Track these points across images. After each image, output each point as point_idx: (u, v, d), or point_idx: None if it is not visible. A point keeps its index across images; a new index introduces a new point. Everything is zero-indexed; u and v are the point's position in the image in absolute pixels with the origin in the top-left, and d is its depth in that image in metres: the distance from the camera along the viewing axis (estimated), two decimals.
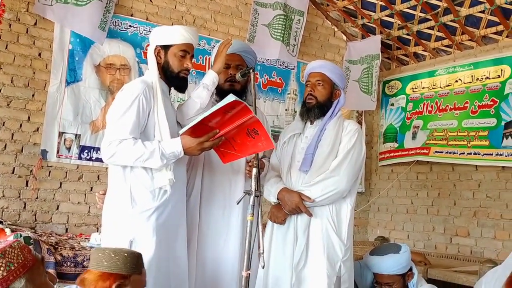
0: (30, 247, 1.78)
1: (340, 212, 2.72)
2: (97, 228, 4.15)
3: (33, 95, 4.07)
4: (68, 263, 3.15)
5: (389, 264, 2.98)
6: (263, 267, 2.30)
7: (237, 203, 2.60)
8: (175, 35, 2.54)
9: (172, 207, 2.49)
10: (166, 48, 2.54)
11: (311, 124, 2.87)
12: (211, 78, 2.69)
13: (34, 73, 4.10)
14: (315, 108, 2.80)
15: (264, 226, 2.58)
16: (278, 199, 2.74)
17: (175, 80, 2.58)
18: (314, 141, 2.73)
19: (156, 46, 2.54)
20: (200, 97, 2.67)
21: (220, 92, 2.85)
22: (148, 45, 4.49)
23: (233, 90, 2.79)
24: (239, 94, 2.83)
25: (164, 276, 2.45)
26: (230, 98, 2.16)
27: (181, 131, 2.36)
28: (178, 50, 2.54)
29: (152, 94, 2.44)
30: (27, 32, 4.08)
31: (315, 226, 2.69)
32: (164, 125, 2.43)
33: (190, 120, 2.60)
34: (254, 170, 2.32)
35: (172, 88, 2.67)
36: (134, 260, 2.00)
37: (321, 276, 2.60)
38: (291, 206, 2.65)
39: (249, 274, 2.22)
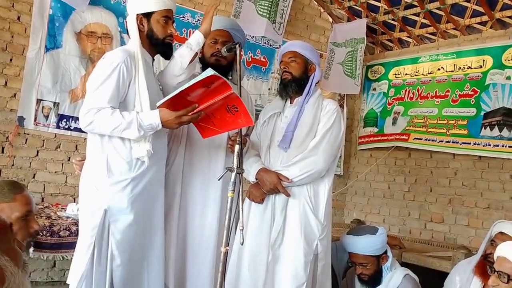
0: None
1: (318, 192, 2.75)
2: (74, 199, 4.09)
3: (10, 60, 3.95)
4: (44, 232, 3.10)
5: (364, 244, 3.01)
6: (242, 244, 2.29)
7: (218, 179, 2.58)
8: (155, 1, 2.48)
9: (150, 179, 2.46)
10: (147, 15, 2.49)
11: (290, 103, 2.88)
12: (196, 38, 2.62)
13: (12, 37, 3.97)
14: (292, 83, 2.80)
15: None
16: (256, 178, 2.74)
17: (161, 46, 2.54)
18: (294, 119, 2.74)
19: (137, 14, 2.48)
20: (182, 56, 2.61)
21: (206, 67, 2.80)
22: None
23: (219, 65, 2.77)
24: (225, 70, 2.81)
25: (139, 248, 2.44)
26: (209, 72, 2.14)
27: (158, 103, 2.32)
28: (161, 17, 2.49)
29: (133, 64, 2.40)
30: None
31: (292, 206, 2.71)
32: (144, 95, 2.39)
33: (173, 79, 2.61)
34: (237, 147, 2.30)
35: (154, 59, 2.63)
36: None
37: (298, 254, 2.62)
38: (269, 186, 2.66)
39: (227, 250, 2.22)
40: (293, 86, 2.80)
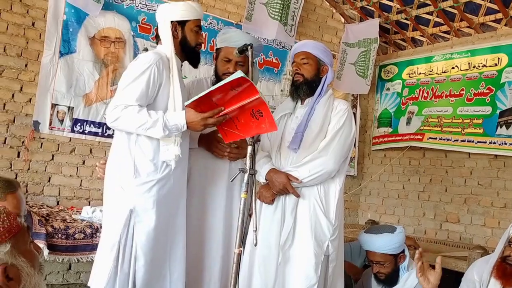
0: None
1: (328, 193, 2.72)
2: (89, 202, 4.14)
3: (26, 65, 4.01)
4: (59, 235, 3.14)
5: (383, 243, 3.00)
6: (255, 245, 2.29)
7: (232, 181, 2.60)
8: (190, 10, 2.57)
9: (174, 181, 2.49)
10: (182, 23, 2.56)
11: (301, 104, 2.86)
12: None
13: (27, 42, 4.03)
14: (303, 85, 2.77)
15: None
16: (266, 179, 2.73)
17: (191, 54, 2.62)
18: (305, 120, 2.72)
19: (172, 21, 2.54)
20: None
21: (218, 80, 2.82)
22: (144, 18, 4.47)
23: None
24: None
25: (163, 248, 2.46)
26: (238, 74, 2.13)
27: (186, 103, 2.34)
28: (194, 26, 2.59)
29: (164, 67, 2.45)
30: (20, 0, 4.00)
31: (303, 206, 2.69)
32: (178, 98, 2.44)
33: None
34: (250, 148, 2.29)
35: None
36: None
37: (308, 255, 2.60)
38: (279, 187, 2.65)
39: (241, 251, 2.22)
40: (305, 88, 2.77)
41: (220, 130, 2.48)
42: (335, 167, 2.68)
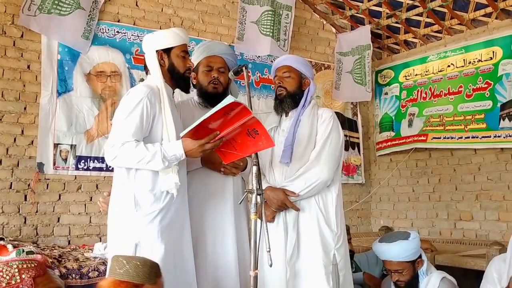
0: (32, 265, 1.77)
1: (326, 202, 2.72)
2: (100, 238, 4.12)
3: (25, 108, 4.03)
4: (73, 275, 3.11)
5: (398, 251, 2.97)
6: (270, 266, 2.27)
7: (240, 203, 2.59)
8: (174, 37, 2.57)
9: (176, 209, 2.49)
10: (167, 51, 2.56)
11: (286, 116, 2.87)
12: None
13: (24, 85, 4.05)
14: (287, 98, 2.80)
15: None
16: (264, 198, 2.72)
17: (181, 80, 2.61)
18: (292, 133, 2.73)
19: (157, 51, 2.55)
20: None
21: (204, 95, 2.85)
22: (137, 49, 4.50)
23: (217, 93, 2.81)
24: (222, 96, 2.80)
25: (172, 277, 2.43)
26: (229, 99, 2.15)
27: (182, 134, 2.36)
28: (180, 51, 2.58)
29: (156, 99, 2.46)
30: (14, 44, 4.04)
31: (304, 219, 2.69)
32: (171, 128, 2.44)
33: None
34: (254, 168, 2.30)
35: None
36: (147, 269, 1.99)
37: (317, 266, 2.60)
38: (277, 203, 2.65)
39: (257, 274, 2.20)
40: (289, 101, 2.80)
41: (219, 152, 2.49)
42: (329, 176, 2.68)
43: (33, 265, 1.55)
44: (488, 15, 4.80)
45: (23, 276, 1.52)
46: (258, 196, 2.26)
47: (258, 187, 2.27)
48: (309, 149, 2.73)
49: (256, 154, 2.37)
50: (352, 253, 3.61)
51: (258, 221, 2.24)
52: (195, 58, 2.91)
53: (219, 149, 2.45)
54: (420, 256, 3.05)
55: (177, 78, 2.60)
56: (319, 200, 2.70)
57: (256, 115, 2.60)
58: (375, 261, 3.79)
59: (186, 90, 2.68)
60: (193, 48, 4.73)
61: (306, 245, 2.66)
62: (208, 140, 2.33)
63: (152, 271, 2.02)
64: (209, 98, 2.82)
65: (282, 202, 2.64)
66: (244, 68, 2.55)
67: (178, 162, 2.41)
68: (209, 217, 2.77)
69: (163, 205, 2.43)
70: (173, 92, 2.67)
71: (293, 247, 2.64)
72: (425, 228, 5.34)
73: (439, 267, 3.55)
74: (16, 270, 1.52)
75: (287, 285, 2.62)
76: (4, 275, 1.49)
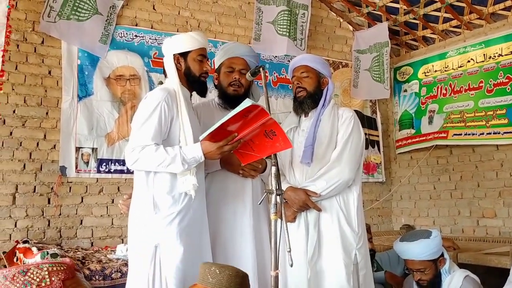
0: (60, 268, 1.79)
1: (348, 202, 2.72)
2: (122, 240, 4.17)
3: (47, 113, 4.10)
4: (97, 277, 3.16)
5: (419, 250, 2.95)
6: (291, 266, 2.28)
7: (259, 204, 2.60)
8: (191, 41, 2.60)
9: (194, 211, 2.50)
10: (184, 55, 2.59)
11: (305, 116, 2.86)
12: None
13: (46, 91, 4.13)
14: (307, 99, 2.79)
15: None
16: (284, 199, 2.71)
17: (197, 84, 2.63)
18: (312, 132, 2.73)
19: (174, 54, 2.59)
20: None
21: (224, 96, 2.86)
22: (155, 53, 4.55)
23: (238, 95, 2.81)
24: (243, 98, 2.81)
25: (192, 279, 2.44)
26: (247, 102, 2.18)
27: (201, 137, 2.38)
28: (197, 55, 2.60)
29: (173, 102, 2.48)
30: (35, 51, 4.12)
31: (325, 219, 2.68)
32: (188, 130, 2.46)
33: None
34: (273, 169, 2.30)
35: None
36: (239, 280, 2.00)
37: (339, 266, 2.60)
38: (299, 204, 2.65)
39: (278, 274, 2.21)
40: (309, 102, 2.79)
41: (237, 153, 2.50)
42: (351, 176, 2.68)
43: (62, 268, 1.58)
44: (508, 8, 4.73)
45: (53, 278, 1.55)
46: (278, 197, 2.27)
47: (277, 187, 2.28)
48: (330, 149, 2.72)
49: (275, 155, 2.38)
50: (373, 252, 3.59)
51: (279, 221, 2.24)
52: (217, 59, 2.93)
53: (237, 150, 2.47)
54: (442, 255, 3.02)
55: (193, 82, 2.62)
56: (340, 200, 2.70)
57: (274, 115, 2.61)
58: (397, 260, 3.76)
59: (202, 94, 2.70)
60: (210, 50, 4.83)
61: (327, 245, 2.65)
62: (226, 142, 2.35)
63: (244, 281, 2.02)
64: (229, 100, 2.83)
65: (303, 203, 2.64)
66: (261, 68, 2.56)
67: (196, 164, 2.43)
68: (228, 218, 2.78)
69: (182, 207, 2.44)
70: (191, 94, 2.69)
71: (314, 247, 2.64)
72: (447, 226, 5.28)
73: (462, 266, 3.51)
74: (46, 272, 1.55)
75: (308, 285, 2.62)
76: (35, 277, 1.54)
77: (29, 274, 1.51)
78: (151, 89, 4.44)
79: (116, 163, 4.28)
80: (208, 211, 2.66)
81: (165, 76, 2.69)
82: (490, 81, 4.85)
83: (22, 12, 4.09)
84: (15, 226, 3.87)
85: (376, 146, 5.90)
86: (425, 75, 5.59)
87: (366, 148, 5.70)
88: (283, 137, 2.30)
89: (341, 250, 2.61)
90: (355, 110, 3.95)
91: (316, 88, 2.80)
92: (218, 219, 2.75)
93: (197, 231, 2.53)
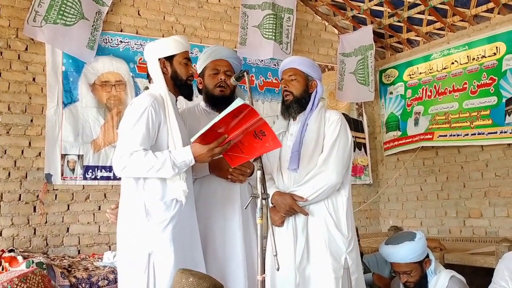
0: (44, 271, 1.77)
1: (337, 205, 2.70)
2: (109, 247, 4.15)
3: (31, 120, 4.07)
4: (83, 285, 3.13)
5: (405, 252, 2.96)
6: (277, 269, 2.28)
7: (245, 208, 2.59)
8: (175, 44, 2.59)
9: (185, 216, 2.49)
10: (170, 59, 2.58)
11: (294, 120, 2.84)
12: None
13: (30, 98, 4.10)
14: (294, 103, 2.77)
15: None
16: (272, 203, 2.71)
17: (184, 87, 2.62)
18: (298, 138, 2.71)
19: (159, 59, 2.57)
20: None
21: (211, 98, 2.87)
22: (141, 58, 4.53)
23: (224, 96, 2.82)
24: (229, 99, 2.81)
25: None
26: (239, 101, 2.17)
27: (192, 138, 2.36)
28: (182, 58, 2.60)
29: (160, 107, 2.46)
30: (19, 58, 4.09)
31: (313, 224, 2.67)
32: (177, 135, 2.45)
33: None
34: (259, 173, 2.31)
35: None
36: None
37: (327, 271, 2.57)
38: (285, 208, 2.64)
39: (264, 278, 2.21)
40: (295, 106, 2.77)
41: (226, 156, 2.49)
42: (338, 180, 2.66)
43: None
44: (490, 10, 4.78)
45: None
46: (263, 201, 2.27)
47: (263, 192, 2.28)
48: (316, 153, 2.70)
49: (261, 159, 2.38)
50: (361, 254, 3.60)
51: (265, 225, 2.25)
52: (201, 63, 2.93)
53: (226, 153, 2.45)
54: (427, 256, 3.04)
55: (180, 85, 2.61)
56: (329, 204, 2.68)
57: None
58: (384, 261, 3.77)
59: (189, 97, 2.69)
60: (196, 54, 4.83)
61: (315, 250, 2.64)
62: (217, 143, 2.34)
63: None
64: (216, 101, 2.83)
65: (290, 207, 2.63)
66: (245, 73, 2.57)
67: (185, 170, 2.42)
68: (217, 223, 2.77)
69: (174, 213, 2.42)
70: (176, 99, 2.68)
71: (303, 251, 2.63)
72: (434, 227, 5.32)
73: (448, 266, 3.53)
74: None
75: None
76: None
77: (28, 280, 1.49)
78: (136, 94, 4.43)
79: (103, 170, 4.26)
80: (198, 217, 2.64)
81: (149, 81, 2.67)
82: (474, 82, 4.90)
83: (6, 19, 4.06)
84: (0, 235, 3.83)
85: (362, 149, 5.93)
86: (410, 77, 5.64)
87: (353, 150, 5.72)
88: (272, 136, 2.29)
89: (329, 255, 2.59)
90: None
91: (303, 91, 2.77)
92: (208, 224, 2.74)
93: (188, 237, 2.51)
